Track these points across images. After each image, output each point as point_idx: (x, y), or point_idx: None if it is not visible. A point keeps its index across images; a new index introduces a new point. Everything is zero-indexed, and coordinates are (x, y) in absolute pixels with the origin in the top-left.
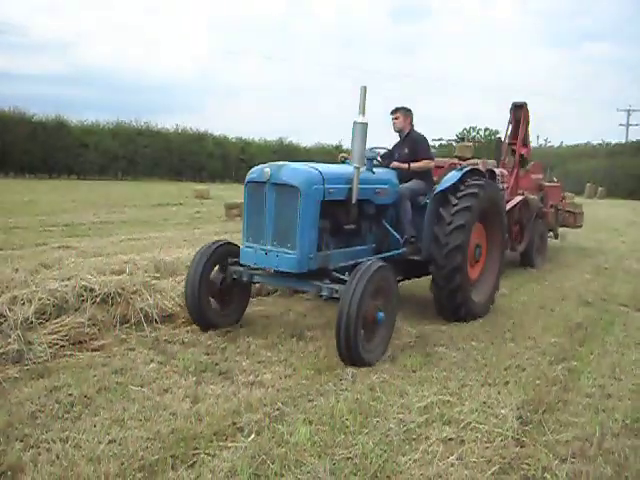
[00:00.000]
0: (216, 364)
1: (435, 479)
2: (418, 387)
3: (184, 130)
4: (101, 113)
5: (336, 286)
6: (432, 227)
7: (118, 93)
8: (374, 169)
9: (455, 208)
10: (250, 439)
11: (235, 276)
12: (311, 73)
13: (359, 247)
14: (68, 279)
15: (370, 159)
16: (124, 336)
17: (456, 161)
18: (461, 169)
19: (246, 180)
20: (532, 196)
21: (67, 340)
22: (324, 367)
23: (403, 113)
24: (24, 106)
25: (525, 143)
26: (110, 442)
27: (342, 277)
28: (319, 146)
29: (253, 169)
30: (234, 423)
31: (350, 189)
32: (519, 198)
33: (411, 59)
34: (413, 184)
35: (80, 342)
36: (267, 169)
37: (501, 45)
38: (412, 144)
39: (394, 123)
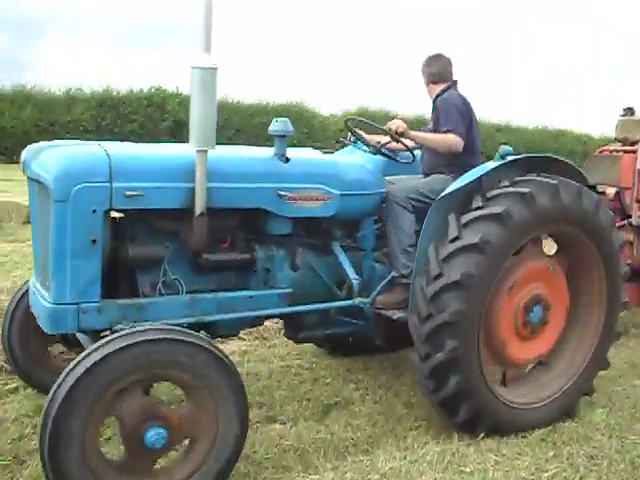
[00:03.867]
0: None
1: None
2: None
3: (544, 127)
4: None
5: None
6: (426, 251)
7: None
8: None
9: (471, 215)
10: None
11: None
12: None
13: (242, 293)
14: None
15: (280, 136)
16: None
17: (611, 147)
18: (502, 157)
19: None
20: None
21: None
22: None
23: (424, 66)
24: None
25: None
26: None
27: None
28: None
29: None
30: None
31: (193, 190)
32: None
33: None
34: (428, 182)
35: None
36: (24, 153)
37: None
38: (436, 113)
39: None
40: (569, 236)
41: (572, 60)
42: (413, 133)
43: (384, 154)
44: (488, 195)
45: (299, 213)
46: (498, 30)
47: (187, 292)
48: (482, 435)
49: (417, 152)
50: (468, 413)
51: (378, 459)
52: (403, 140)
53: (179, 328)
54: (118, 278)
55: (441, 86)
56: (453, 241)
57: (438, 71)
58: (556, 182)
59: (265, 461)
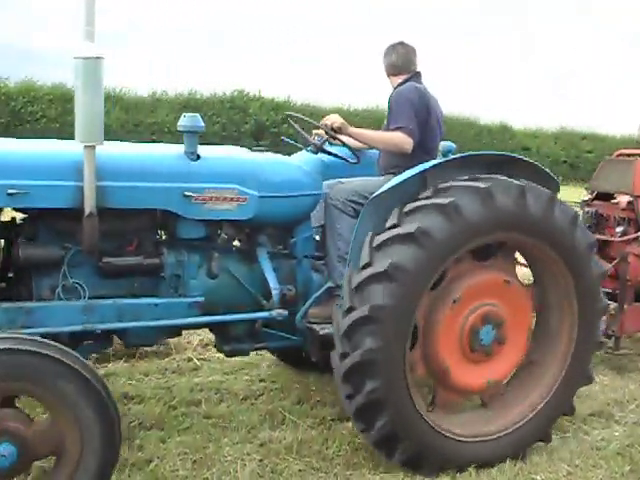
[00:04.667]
0: (609, 359)
1: None
2: None
3: (630, 135)
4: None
5: None
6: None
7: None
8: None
9: (384, 236)
10: (623, 426)
11: None
12: None
13: (145, 300)
14: None
15: (190, 132)
16: None
17: (627, 151)
18: (443, 154)
19: None
20: None
21: None
22: None
23: (384, 56)
24: (472, 111)
25: None
26: None
27: None
28: None
29: None
30: (610, 414)
31: (82, 189)
32: None
33: None
34: (369, 183)
35: None
36: None
37: None
38: (390, 107)
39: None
40: (535, 245)
41: (572, 60)
42: (353, 130)
43: (329, 153)
44: (405, 210)
45: (209, 215)
46: (498, 30)
47: (90, 298)
48: (555, 443)
49: (373, 151)
50: (406, 452)
51: None
52: (340, 137)
53: (35, 338)
54: (16, 281)
55: (401, 78)
56: (389, 229)
57: (397, 61)
58: (522, 184)
59: (336, 457)
